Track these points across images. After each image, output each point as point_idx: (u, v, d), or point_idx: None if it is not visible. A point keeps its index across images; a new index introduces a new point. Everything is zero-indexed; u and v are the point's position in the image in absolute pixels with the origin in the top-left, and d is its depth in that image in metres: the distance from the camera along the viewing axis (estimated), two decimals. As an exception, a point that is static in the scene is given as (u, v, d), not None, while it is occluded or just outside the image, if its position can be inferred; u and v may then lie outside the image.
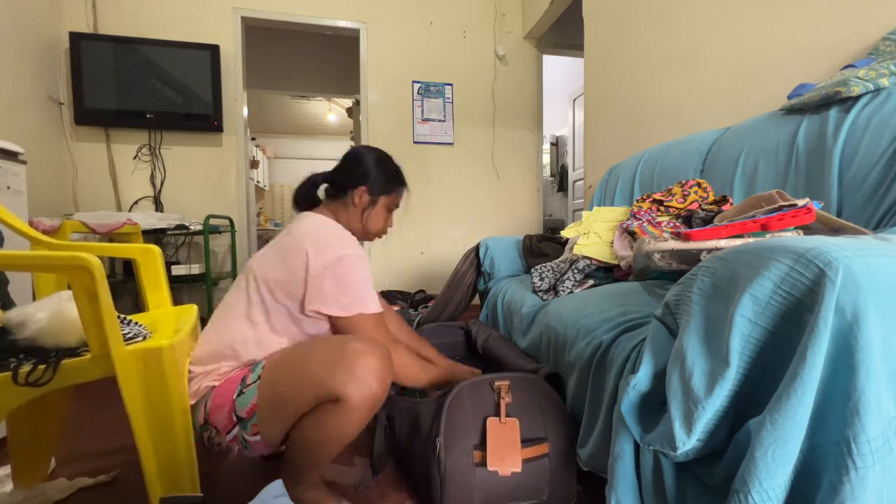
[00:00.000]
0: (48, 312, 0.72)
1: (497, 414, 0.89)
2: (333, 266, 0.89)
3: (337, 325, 0.92)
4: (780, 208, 0.82)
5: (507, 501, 0.86)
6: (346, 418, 0.78)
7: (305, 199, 1.07)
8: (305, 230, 0.93)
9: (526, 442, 0.87)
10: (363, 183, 1.03)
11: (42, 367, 0.66)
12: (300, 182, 1.07)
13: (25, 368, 0.66)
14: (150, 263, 1.13)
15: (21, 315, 0.71)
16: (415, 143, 3.28)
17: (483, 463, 0.84)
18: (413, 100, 3.26)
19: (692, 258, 0.81)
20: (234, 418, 0.81)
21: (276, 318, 0.90)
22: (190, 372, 0.87)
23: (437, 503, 0.85)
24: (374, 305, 0.94)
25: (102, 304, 0.66)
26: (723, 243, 0.79)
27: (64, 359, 0.69)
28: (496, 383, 0.93)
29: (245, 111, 2.98)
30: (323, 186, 1.08)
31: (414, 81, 3.25)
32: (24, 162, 1.43)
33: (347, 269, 0.90)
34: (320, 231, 0.94)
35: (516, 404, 0.91)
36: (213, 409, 0.82)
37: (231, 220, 2.75)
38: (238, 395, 0.82)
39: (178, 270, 2.39)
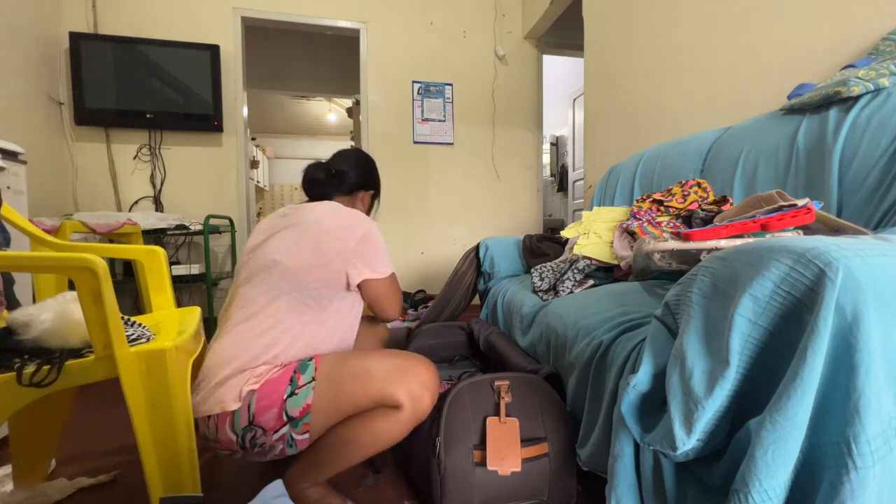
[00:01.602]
0: (53, 313, 0.72)
1: (497, 414, 0.89)
2: (366, 238, 0.96)
3: (372, 289, 0.98)
4: (780, 208, 0.83)
5: (507, 501, 0.86)
6: (395, 425, 0.84)
7: (323, 191, 1.11)
8: (326, 212, 0.98)
9: (526, 442, 0.87)
10: (373, 188, 1.17)
11: (46, 367, 0.66)
12: (312, 174, 1.10)
13: (30, 369, 0.66)
14: (155, 265, 1.13)
15: (26, 315, 0.71)
16: (415, 143, 3.28)
17: (483, 462, 0.84)
18: (413, 100, 3.26)
19: (692, 258, 0.81)
20: (285, 418, 0.82)
21: (316, 309, 0.92)
22: (225, 378, 0.84)
23: (437, 503, 0.85)
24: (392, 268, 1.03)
25: (107, 306, 0.67)
26: (723, 243, 0.79)
27: (68, 360, 0.69)
28: (496, 383, 0.93)
29: (245, 111, 2.98)
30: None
31: (414, 81, 3.25)
32: (24, 162, 1.44)
33: (377, 239, 0.99)
34: (344, 213, 1.00)
35: (516, 404, 0.91)
36: (259, 410, 0.82)
37: (231, 220, 2.75)
38: (289, 396, 0.82)
39: (178, 270, 2.39)
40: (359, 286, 0.96)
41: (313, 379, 0.84)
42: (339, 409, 0.84)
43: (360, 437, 0.85)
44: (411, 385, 0.84)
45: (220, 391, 0.83)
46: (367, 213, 1.17)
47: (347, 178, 1.11)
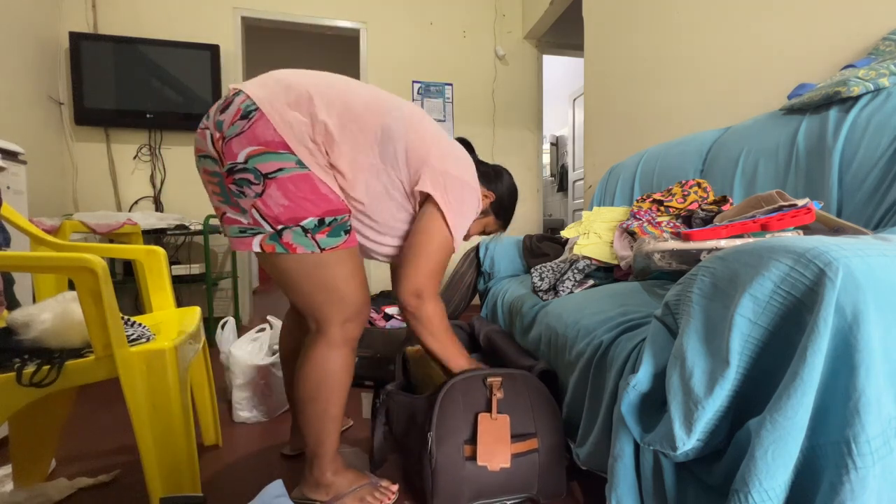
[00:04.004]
0: (53, 313, 0.72)
1: (489, 409, 0.90)
2: (457, 183, 0.87)
3: (427, 220, 0.87)
4: (780, 208, 0.83)
5: (497, 495, 0.88)
6: (326, 350, 0.83)
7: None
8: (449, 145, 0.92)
9: (516, 437, 0.88)
10: (493, 191, 1.06)
11: (46, 367, 0.66)
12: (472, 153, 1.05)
13: (29, 369, 0.66)
14: (154, 265, 1.13)
15: (26, 316, 0.71)
16: (415, 142, 3.27)
17: (473, 457, 0.85)
18: (413, 100, 3.25)
19: (692, 258, 0.81)
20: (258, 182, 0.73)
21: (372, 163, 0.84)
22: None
23: (428, 496, 0.87)
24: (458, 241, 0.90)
25: (106, 306, 0.67)
26: (723, 243, 0.79)
27: (68, 360, 0.69)
28: (488, 379, 0.94)
29: (245, 111, 2.98)
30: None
31: (414, 81, 3.25)
32: (24, 162, 1.44)
33: (466, 198, 0.89)
34: (457, 153, 0.92)
35: (507, 400, 0.92)
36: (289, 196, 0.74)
37: (231, 220, 2.75)
38: (303, 224, 0.75)
39: (177, 270, 2.39)
40: (420, 200, 0.86)
41: (286, 249, 0.76)
42: (286, 280, 0.80)
43: (308, 381, 0.83)
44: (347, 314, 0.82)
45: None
46: (482, 218, 1.07)
47: (486, 169, 1.05)
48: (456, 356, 0.96)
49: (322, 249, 0.78)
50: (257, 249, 0.77)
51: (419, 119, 0.88)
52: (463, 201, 0.88)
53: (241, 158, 0.72)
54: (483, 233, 1.13)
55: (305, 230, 0.76)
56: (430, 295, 0.87)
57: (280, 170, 0.73)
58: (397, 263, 0.93)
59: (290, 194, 0.74)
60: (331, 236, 0.78)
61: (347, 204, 0.83)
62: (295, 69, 0.84)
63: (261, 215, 0.74)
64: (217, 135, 0.74)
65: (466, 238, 1.00)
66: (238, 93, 0.75)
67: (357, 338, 0.88)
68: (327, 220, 0.78)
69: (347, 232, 0.81)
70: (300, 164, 0.75)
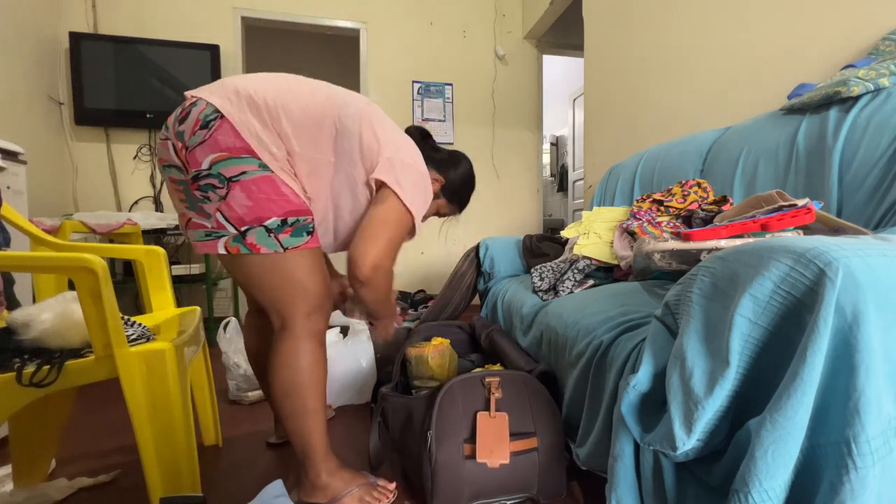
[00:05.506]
0: (53, 313, 0.72)
1: (487, 409, 0.90)
2: (407, 164, 0.91)
3: (384, 204, 0.88)
4: (780, 208, 0.83)
5: (497, 494, 0.88)
6: (293, 345, 0.83)
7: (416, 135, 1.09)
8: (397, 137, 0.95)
9: (515, 436, 0.89)
10: (443, 175, 1.11)
11: (46, 367, 0.66)
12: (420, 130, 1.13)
13: (30, 369, 0.66)
14: (154, 265, 1.13)
15: (26, 316, 0.71)
16: (415, 142, 3.28)
17: (473, 456, 0.85)
18: (413, 100, 3.26)
19: (692, 258, 0.81)
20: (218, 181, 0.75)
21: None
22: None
23: (428, 495, 0.87)
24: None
25: (106, 306, 0.67)
26: (723, 243, 0.79)
27: (68, 360, 0.69)
28: (486, 379, 0.94)
29: (245, 111, 2.98)
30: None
31: (414, 81, 3.25)
32: (24, 162, 1.44)
33: (419, 174, 0.93)
34: (408, 145, 0.96)
35: (506, 400, 0.92)
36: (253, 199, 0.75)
37: (231, 220, 2.75)
38: (268, 223, 0.76)
39: (177, 270, 2.39)
40: (376, 187, 0.88)
41: (249, 249, 0.77)
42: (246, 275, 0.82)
43: (280, 377, 0.84)
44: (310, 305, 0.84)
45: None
46: (433, 203, 1.12)
47: (441, 155, 1.10)
48: (391, 307, 1.05)
49: (285, 249, 0.79)
50: (222, 251, 0.78)
51: (369, 112, 0.91)
52: (415, 184, 0.91)
53: (205, 165, 0.74)
54: (437, 215, 1.20)
55: (269, 230, 0.77)
56: (388, 268, 0.90)
57: (243, 173, 0.75)
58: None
59: (252, 196, 0.76)
60: (294, 236, 0.80)
61: (309, 206, 0.85)
62: (244, 75, 0.86)
63: (224, 217, 0.76)
64: (179, 144, 0.76)
65: (423, 220, 1.01)
66: (195, 102, 0.77)
67: (323, 330, 0.89)
68: (290, 220, 0.79)
69: (310, 233, 0.83)
70: (263, 166, 0.77)
